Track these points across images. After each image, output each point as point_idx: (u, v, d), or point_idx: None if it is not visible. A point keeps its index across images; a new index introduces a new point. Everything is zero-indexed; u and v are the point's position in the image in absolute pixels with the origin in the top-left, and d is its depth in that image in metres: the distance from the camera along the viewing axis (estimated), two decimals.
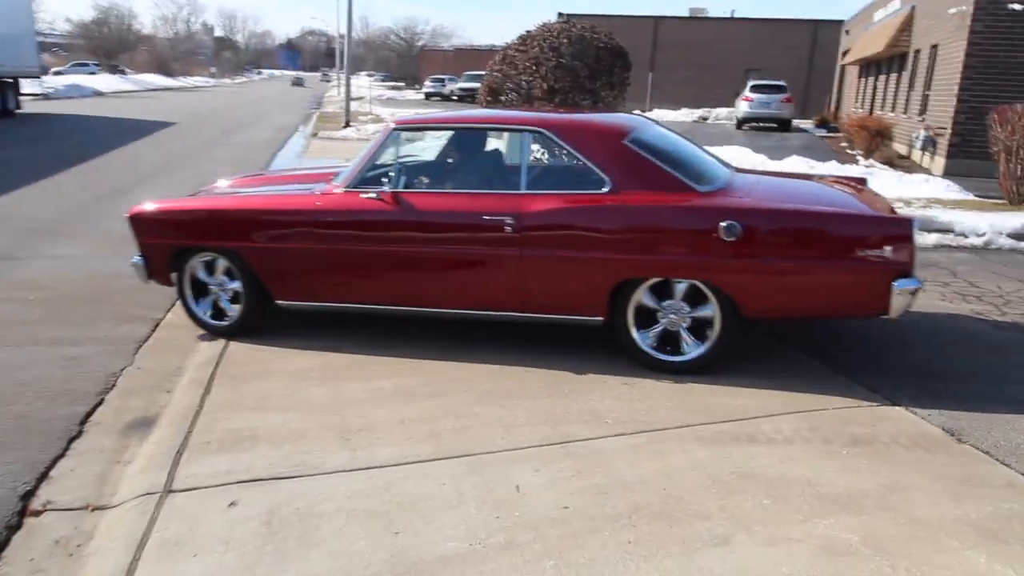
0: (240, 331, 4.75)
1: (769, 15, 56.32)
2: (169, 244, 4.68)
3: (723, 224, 3.83)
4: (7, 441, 3.42)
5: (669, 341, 4.18)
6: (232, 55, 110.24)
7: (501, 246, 4.12)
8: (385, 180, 4.32)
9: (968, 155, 14.02)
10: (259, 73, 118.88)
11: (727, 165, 4.92)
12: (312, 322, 5.02)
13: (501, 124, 4.85)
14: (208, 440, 3.47)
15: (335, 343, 4.67)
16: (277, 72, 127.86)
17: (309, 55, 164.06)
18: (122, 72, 59.96)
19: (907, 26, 18.82)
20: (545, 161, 4.94)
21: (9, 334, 4.81)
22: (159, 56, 70.58)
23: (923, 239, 7.75)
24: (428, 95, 50.52)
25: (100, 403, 3.90)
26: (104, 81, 46.63)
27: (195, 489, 3.06)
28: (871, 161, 16.06)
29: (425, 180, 4.54)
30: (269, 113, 30.74)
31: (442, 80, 51.64)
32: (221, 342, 4.74)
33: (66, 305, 5.42)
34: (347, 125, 23.00)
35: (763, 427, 3.55)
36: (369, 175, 4.46)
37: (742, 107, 25.75)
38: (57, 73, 53.78)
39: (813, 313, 4.21)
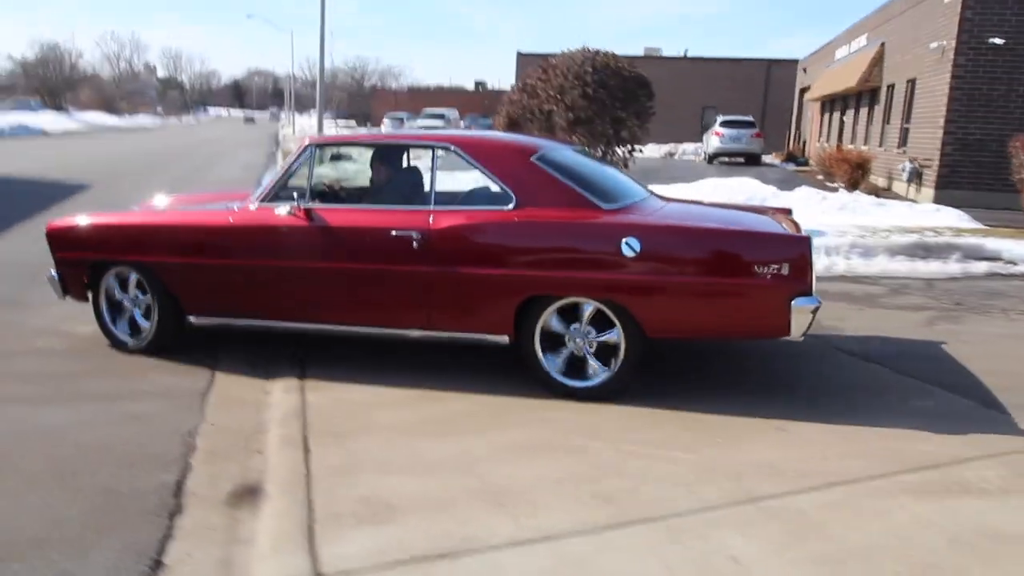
0: (155, 348, 4.70)
1: (721, 55, 57.93)
2: (84, 258, 4.70)
3: (623, 241, 3.80)
4: (105, 522, 2.81)
5: (578, 366, 4.07)
6: (179, 95, 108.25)
7: (408, 262, 4.10)
8: (298, 196, 4.29)
9: (957, 186, 14.28)
10: (206, 112, 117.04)
11: (646, 189, 4.92)
12: (368, 353, 4.55)
13: (413, 141, 4.96)
14: (338, 511, 2.94)
15: (412, 378, 4.30)
16: (224, 112, 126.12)
17: (256, 95, 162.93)
18: (66, 111, 58.09)
19: (878, 62, 19.35)
20: (455, 178, 4.91)
21: (53, 390, 4.16)
22: (104, 95, 68.74)
23: (973, 267, 7.65)
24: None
25: (188, 469, 3.31)
26: (50, 120, 44.97)
27: (351, 573, 2.53)
28: (856, 194, 16.25)
29: (338, 196, 4.69)
30: (231, 152, 29.94)
31: (401, 118, 51.49)
32: (294, 391, 4.22)
33: (103, 354, 4.79)
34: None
35: (966, 474, 3.19)
36: (283, 192, 4.42)
37: (713, 142, 26.08)
38: None
39: (718, 333, 4.15)
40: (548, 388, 4.09)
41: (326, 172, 4.88)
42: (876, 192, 16.55)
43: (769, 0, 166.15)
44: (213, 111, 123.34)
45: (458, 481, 3.18)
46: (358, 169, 4.93)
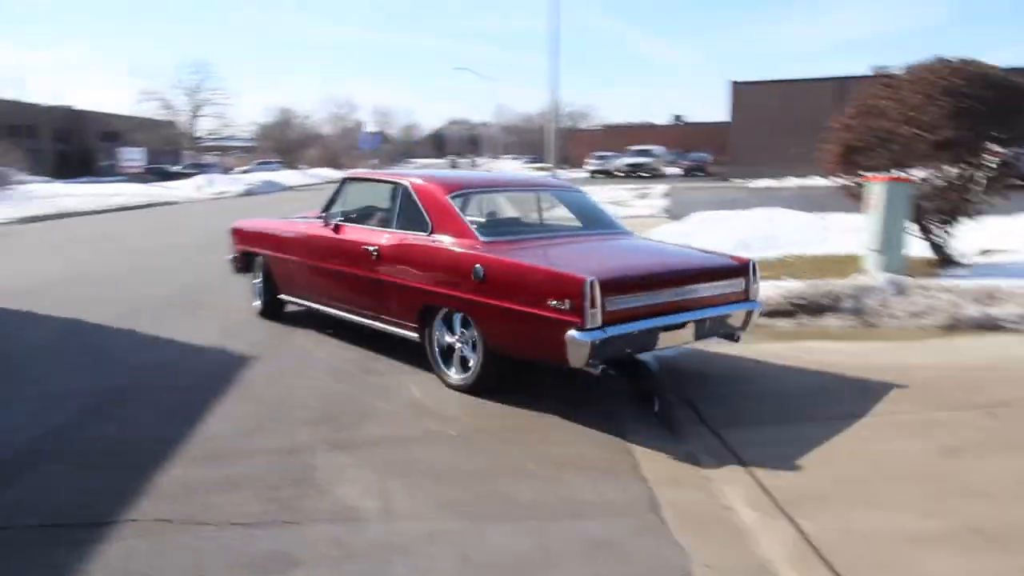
0: (268, 312, 6.97)
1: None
2: (240, 248, 7.25)
3: (475, 267, 4.61)
4: None
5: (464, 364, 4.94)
6: (389, 147, 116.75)
7: (369, 268, 5.45)
8: (332, 216, 6.08)
9: None
10: (411, 162, 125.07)
11: (611, 228, 5.79)
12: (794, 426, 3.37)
13: (386, 179, 5.98)
14: None
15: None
16: (424, 160, 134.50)
17: (454, 143, 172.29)
18: (299, 168, 64.13)
19: None
20: (409, 208, 5.51)
21: (482, 497, 3.45)
22: (329, 152, 75.30)
23: None
24: (593, 172, 50.05)
25: None
26: (288, 177, 49.60)
27: None
28: None
29: (350, 217, 6.06)
30: None
31: (606, 157, 51.11)
32: (765, 506, 3.19)
33: (495, 438, 4.09)
34: None
35: None
36: (330, 211, 6.17)
37: None
38: (244, 171, 58.34)
39: (528, 354, 4.64)
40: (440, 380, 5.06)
41: (359, 199, 6.25)
42: None
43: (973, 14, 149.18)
44: (418, 160, 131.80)
45: None
46: (365, 196, 6.26)
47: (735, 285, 4.90)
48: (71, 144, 61.46)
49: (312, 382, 5.16)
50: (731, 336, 5.00)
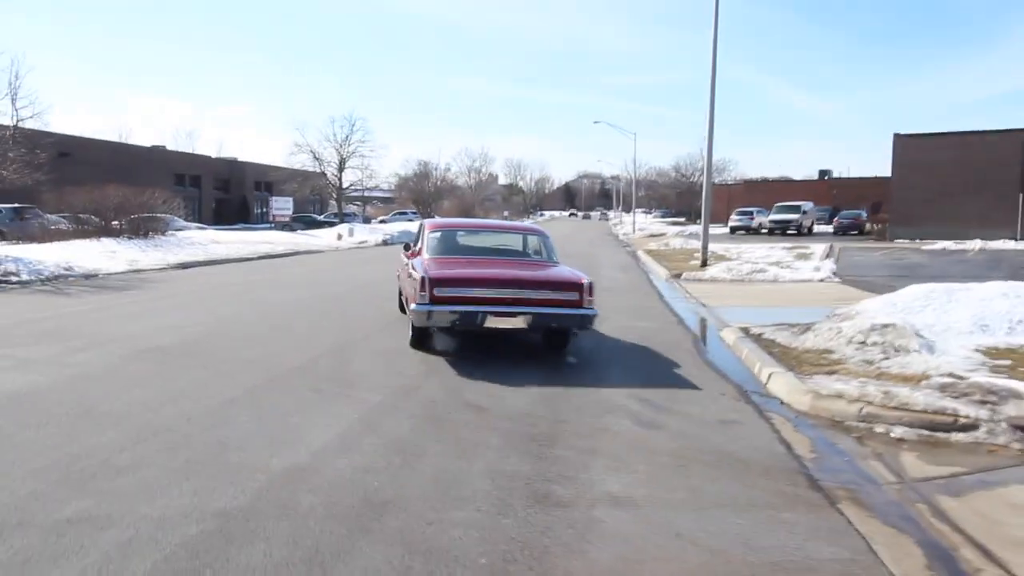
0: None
1: None
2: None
3: (422, 278, 7.57)
4: None
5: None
6: (520, 199, 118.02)
7: (404, 278, 9.55)
8: (413, 247, 9.72)
9: None
10: (542, 215, 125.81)
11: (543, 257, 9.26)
12: None
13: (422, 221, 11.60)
14: None
15: None
16: (556, 213, 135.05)
17: (584, 196, 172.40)
18: (434, 218, 65.34)
19: None
20: (419, 236, 9.84)
21: None
22: (463, 203, 76.55)
23: None
24: (733, 229, 47.38)
25: None
26: None
27: None
28: None
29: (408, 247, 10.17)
30: (591, 253, 29.50)
31: (750, 212, 48.36)
32: None
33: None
34: (705, 265, 20.29)
35: None
36: (413, 245, 9.82)
37: None
38: (382, 221, 59.99)
39: (410, 317, 8.53)
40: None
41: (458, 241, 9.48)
42: None
43: None
44: (547, 213, 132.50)
45: None
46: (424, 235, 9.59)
47: (569, 296, 7.80)
48: (230, 192, 65.73)
49: None
50: (568, 332, 8.38)
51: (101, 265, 19.14)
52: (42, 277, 16.66)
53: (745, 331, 9.60)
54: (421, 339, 8.14)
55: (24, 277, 16.25)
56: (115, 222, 24.90)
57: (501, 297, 7.63)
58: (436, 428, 5.37)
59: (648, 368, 7.79)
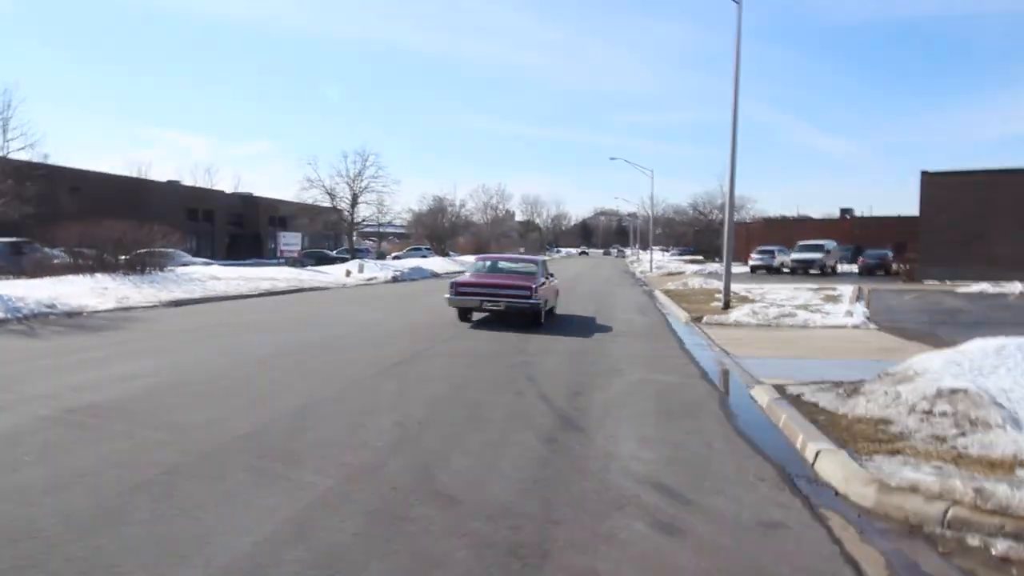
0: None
1: None
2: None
3: (451, 283, 15.71)
4: None
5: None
6: (537, 236, 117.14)
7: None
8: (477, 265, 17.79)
9: None
10: (558, 251, 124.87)
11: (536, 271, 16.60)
12: None
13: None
14: None
15: None
16: (573, 250, 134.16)
17: (601, 234, 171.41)
18: (448, 254, 64.44)
19: None
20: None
21: None
22: (479, 239, 75.74)
23: None
24: (754, 268, 45.90)
25: None
26: (437, 263, 49.27)
27: None
28: None
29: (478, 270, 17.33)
30: (606, 292, 28.21)
31: (771, 251, 46.88)
32: None
33: None
34: (727, 307, 18.93)
35: None
36: (477, 262, 18.27)
37: None
38: (396, 257, 59.11)
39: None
40: None
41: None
42: None
43: None
44: (564, 250, 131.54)
45: None
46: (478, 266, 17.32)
47: (524, 293, 14.68)
48: (243, 228, 65.34)
49: None
50: (531, 313, 14.80)
51: (88, 302, 18.13)
52: (20, 316, 15.63)
53: (780, 390, 8.27)
54: (461, 315, 15.55)
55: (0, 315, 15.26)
56: (111, 256, 24.00)
57: (489, 293, 14.99)
58: (387, 533, 4.10)
59: (667, 439, 6.48)
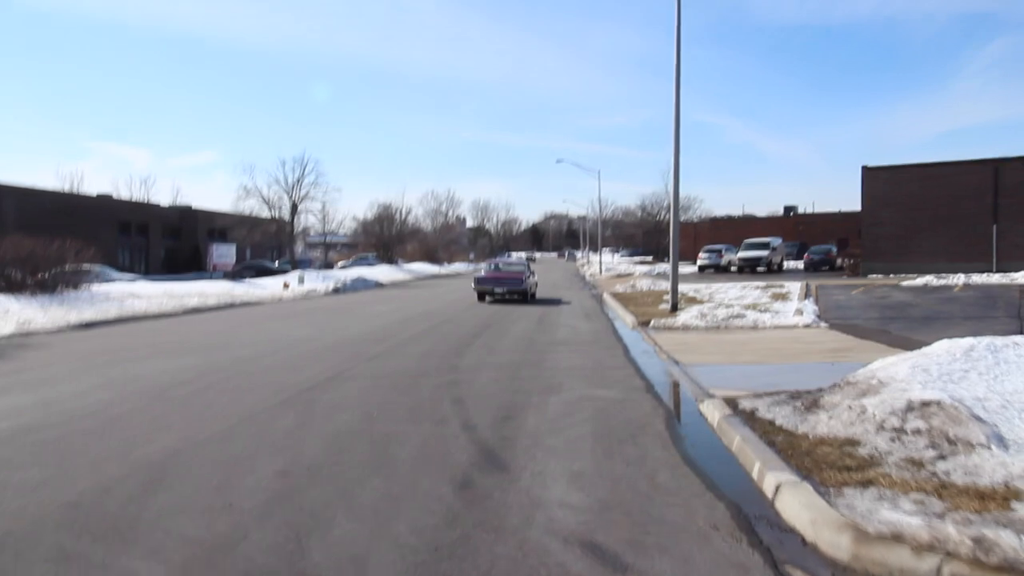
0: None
1: None
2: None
3: (475, 277, 27.31)
4: None
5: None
6: (487, 241, 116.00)
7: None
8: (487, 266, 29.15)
9: None
10: (509, 256, 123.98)
11: (525, 270, 27.04)
12: None
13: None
14: None
15: None
16: (523, 254, 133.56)
17: (552, 237, 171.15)
18: (395, 262, 62.91)
19: None
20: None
21: None
22: (427, 246, 74.33)
23: None
24: (702, 267, 45.79)
25: None
26: (383, 272, 47.82)
27: None
28: None
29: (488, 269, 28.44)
30: (557, 299, 27.36)
31: (718, 250, 46.80)
32: None
33: None
34: (675, 309, 18.18)
35: None
36: (487, 264, 30.79)
37: None
38: (343, 266, 57.37)
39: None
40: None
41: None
42: None
43: None
44: (515, 255, 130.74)
45: None
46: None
47: (517, 280, 25.14)
48: (181, 241, 62.71)
49: None
50: (520, 293, 24.99)
51: None
52: None
53: (732, 404, 7.41)
54: (480, 296, 25.34)
55: None
56: (17, 275, 22.14)
57: (497, 282, 25.10)
58: None
59: (605, 472, 5.52)
